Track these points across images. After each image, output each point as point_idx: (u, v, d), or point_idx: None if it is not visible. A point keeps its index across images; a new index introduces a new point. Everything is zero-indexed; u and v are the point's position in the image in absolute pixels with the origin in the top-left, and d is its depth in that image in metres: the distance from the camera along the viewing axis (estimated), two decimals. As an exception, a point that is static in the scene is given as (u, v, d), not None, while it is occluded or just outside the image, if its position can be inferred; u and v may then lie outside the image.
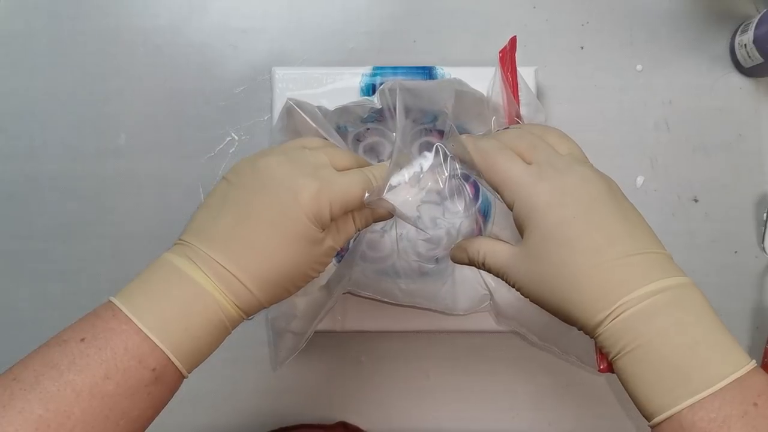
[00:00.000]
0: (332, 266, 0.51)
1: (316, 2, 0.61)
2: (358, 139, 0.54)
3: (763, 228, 0.58)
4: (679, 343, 0.32)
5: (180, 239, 0.37)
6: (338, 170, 0.39)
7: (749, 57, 0.57)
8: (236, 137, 0.59)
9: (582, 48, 0.60)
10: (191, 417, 0.58)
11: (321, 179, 0.37)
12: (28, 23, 0.60)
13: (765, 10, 0.56)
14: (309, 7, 0.61)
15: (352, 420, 0.58)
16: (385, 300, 0.53)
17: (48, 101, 0.60)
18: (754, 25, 0.56)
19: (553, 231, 0.35)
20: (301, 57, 0.60)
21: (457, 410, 0.58)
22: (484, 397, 0.58)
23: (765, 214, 0.59)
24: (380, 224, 0.54)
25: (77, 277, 0.59)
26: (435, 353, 0.58)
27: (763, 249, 0.58)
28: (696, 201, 0.59)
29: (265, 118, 0.59)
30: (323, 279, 0.49)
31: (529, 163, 0.37)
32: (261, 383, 0.58)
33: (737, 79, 0.60)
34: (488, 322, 0.54)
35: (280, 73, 0.55)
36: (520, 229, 0.37)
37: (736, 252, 0.59)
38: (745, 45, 0.57)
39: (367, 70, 0.54)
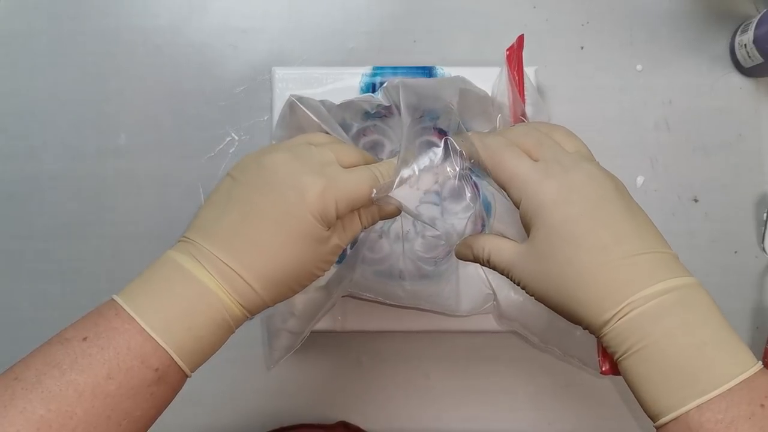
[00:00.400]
0: (333, 267, 0.51)
1: (316, 2, 0.61)
2: (362, 133, 0.54)
3: (763, 228, 0.58)
4: (686, 344, 0.32)
5: (184, 236, 0.37)
6: (344, 167, 0.38)
7: (749, 57, 0.57)
8: (236, 137, 0.59)
9: (582, 48, 0.60)
10: (192, 417, 0.58)
11: (327, 177, 0.37)
12: (28, 23, 0.60)
13: (765, 10, 0.56)
14: (309, 7, 0.61)
15: (353, 420, 0.58)
16: (387, 302, 0.52)
17: (48, 101, 0.60)
18: (754, 25, 0.56)
19: (559, 228, 0.34)
20: (301, 57, 0.60)
21: (457, 410, 0.58)
22: (484, 397, 0.58)
23: (765, 214, 0.59)
24: (378, 225, 0.53)
25: (77, 277, 0.59)
26: (435, 353, 0.58)
27: (763, 249, 0.58)
28: (696, 201, 0.59)
29: (265, 118, 0.59)
30: (323, 280, 0.49)
31: (536, 161, 0.37)
32: (261, 383, 0.58)
33: (737, 79, 0.60)
34: (489, 323, 0.54)
35: (280, 73, 0.55)
36: (527, 226, 0.37)
37: (736, 252, 0.59)
38: (745, 45, 0.57)
39: (367, 70, 0.54)
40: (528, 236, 0.36)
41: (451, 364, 0.58)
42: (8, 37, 0.60)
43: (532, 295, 0.37)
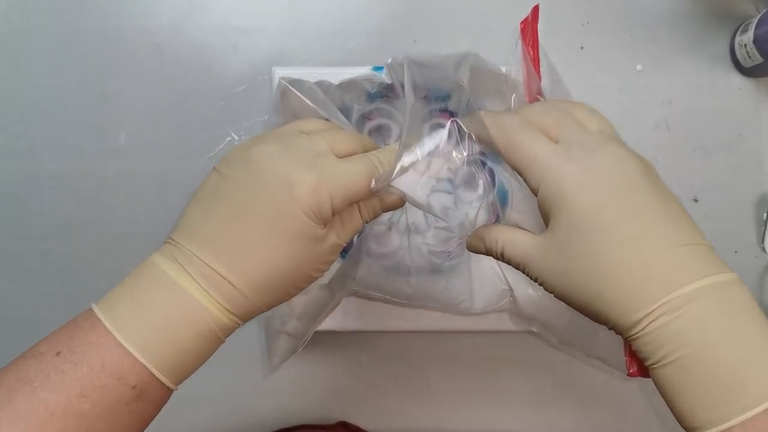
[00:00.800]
0: (335, 263, 0.48)
1: (316, 2, 0.61)
2: (366, 117, 0.50)
3: (763, 228, 0.58)
4: (732, 355, 0.29)
5: (169, 238, 0.35)
6: (340, 156, 0.35)
7: (749, 57, 0.57)
8: (236, 137, 0.59)
9: (582, 48, 0.60)
10: (191, 417, 0.58)
11: (320, 169, 0.34)
12: (28, 23, 0.60)
13: (765, 10, 0.56)
14: (309, 6, 0.61)
15: (352, 420, 0.57)
16: (395, 300, 0.49)
17: (48, 101, 0.60)
18: (754, 25, 0.56)
19: (583, 218, 0.31)
20: (301, 57, 0.60)
21: (457, 410, 0.58)
22: (484, 397, 0.58)
23: (765, 214, 0.59)
24: (387, 215, 0.50)
25: (77, 277, 0.59)
26: (435, 353, 0.58)
27: (763, 249, 0.58)
28: (696, 201, 0.59)
29: (265, 118, 0.59)
30: (325, 278, 0.46)
31: (556, 142, 0.33)
32: (261, 383, 0.58)
33: (737, 79, 0.60)
34: (489, 322, 0.54)
35: (280, 72, 0.54)
36: (546, 216, 0.33)
37: (736, 252, 0.59)
38: (745, 45, 0.57)
39: (367, 70, 0.54)
40: (546, 227, 0.33)
41: (452, 364, 0.58)
42: (8, 37, 0.60)
43: (551, 293, 0.34)
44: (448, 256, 0.50)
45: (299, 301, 0.48)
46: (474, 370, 0.58)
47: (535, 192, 0.33)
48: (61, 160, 0.59)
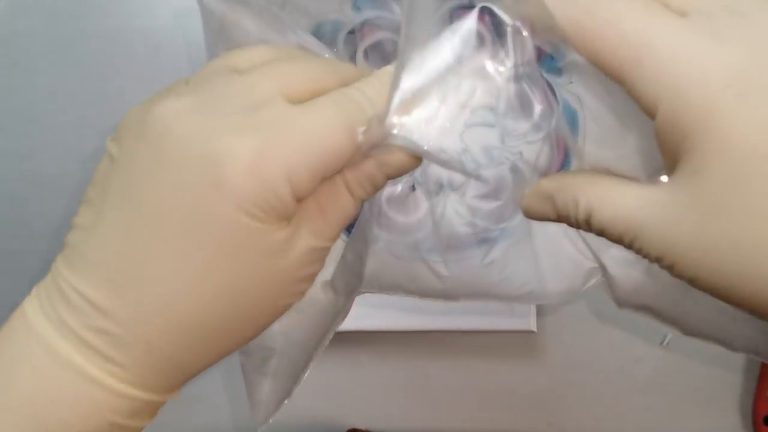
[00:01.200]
0: (340, 241, 0.32)
1: (316, 2, 0.61)
2: (361, 34, 0.33)
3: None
4: None
5: (53, 264, 0.24)
6: (301, 101, 0.21)
7: (750, 56, 0.57)
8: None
9: (582, 47, 0.60)
10: (189, 418, 0.58)
11: (264, 129, 0.20)
12: (28, 23, 0.60)
13: (766, 10, 0.56)
14: (309, 6, 0.61)
15: (352, 420, 0.57)
16: (427, 297, 0.36)
17: (48, 101, 0.60)
18: (755, 24, 0.56)
19: (755, 151, 0.18)
20: (301, 57, 0.60)
21: (457, 410, 0.58)
22: (484, 397, 0.58)
23: (766, 214, 0.58)
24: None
25: (77, 277, 0.59)
26: (435, 353, 0.58)
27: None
28: (696, 201, 0.59)
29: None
30: (326, 273, 0.32)
31: (683, 15, 0.19)
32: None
33: (738, 79, 0.60)
34: (489, 322, 0.54)
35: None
36: (674, 149, 0.19)
37: (736, 252, 0.58)
38: (746, 44, 0.57)
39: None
40: (673, 171, 0.20)
41: (452, 364, 0.58)
42: (8, 37, 0.60)
43: (687, 280, 0.20)
44: (498, 219, 0.34)
45: (289, 320, 0.32)
46: (474, 369, 0.58)
47: (650, 110, 0.19)
48: (61, 160, 0.59)
